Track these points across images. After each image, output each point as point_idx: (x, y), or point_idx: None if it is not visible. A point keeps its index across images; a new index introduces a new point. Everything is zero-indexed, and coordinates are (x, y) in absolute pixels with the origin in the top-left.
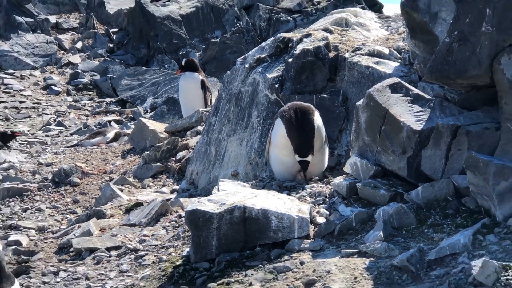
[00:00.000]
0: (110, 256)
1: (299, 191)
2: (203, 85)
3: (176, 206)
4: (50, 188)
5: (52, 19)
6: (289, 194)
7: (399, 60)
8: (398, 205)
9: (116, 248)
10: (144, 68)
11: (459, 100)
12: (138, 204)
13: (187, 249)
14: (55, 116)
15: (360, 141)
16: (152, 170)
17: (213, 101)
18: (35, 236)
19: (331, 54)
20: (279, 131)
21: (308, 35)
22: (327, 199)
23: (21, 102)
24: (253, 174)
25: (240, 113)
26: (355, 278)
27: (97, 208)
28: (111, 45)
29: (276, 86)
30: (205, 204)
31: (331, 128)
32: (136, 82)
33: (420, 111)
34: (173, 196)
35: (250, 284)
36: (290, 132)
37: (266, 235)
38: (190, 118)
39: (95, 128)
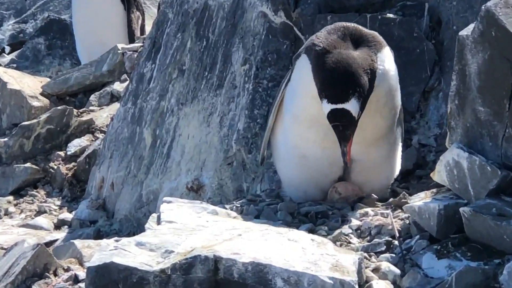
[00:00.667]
0: None
1: (336, 224)
2: None
3: (66, 257)
4: None
5: None
6: (312, 232)
7: None
8: None
9: None
10: None
11: None
12: None
13: None
14: None
15: (468, 115)
16: (15, 178)
17: (148, 29)
18: None
19: None
20: (303, 78)
21: None
22: (395, 242)
23: None
24: (235, 188)
25: (206, 54)
26: None
27: None
28: None
29: None
30: (131, 253)
31: (405, 88)
32: None
33: None
34: (60, 234)
35: None
36: (318, 70)
37: None
38: (98, 66)
39: None
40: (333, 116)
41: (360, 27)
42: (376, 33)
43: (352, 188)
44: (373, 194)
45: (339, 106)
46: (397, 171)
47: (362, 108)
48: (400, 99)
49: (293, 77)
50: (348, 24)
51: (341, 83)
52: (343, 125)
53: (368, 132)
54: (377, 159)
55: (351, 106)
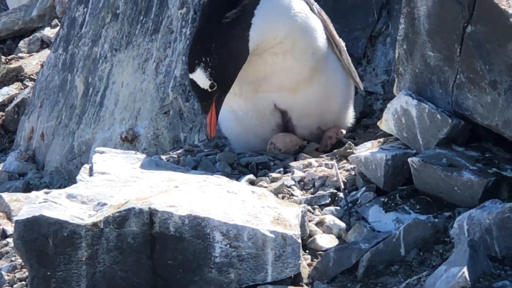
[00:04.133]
0: None
1: (277, 175)
2: None
3: None
4: None
5: None
6: (253, 183)
7: None
8: (504, 206)
9: None
10: None
11: None
12: None
13: None
14: None
15: (417, 61)
16: None
17: None
18: None
19: None
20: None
21: None
22: (340, 195)
23: None
24: (171, 138)
25: None
26: None
27: None
28: None
29: None
30: (62, 206)
31: (351, 32)
32: None
33: None
34: None
35: None
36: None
37: (202, 277)
38: (27, 11)
39: None
40: (190, 86)
41: None
42: None
43: (290, 140)
44: (313, 142)
45: (190, 76)
46: (349, 112)
47: (216, 78)
48: (320, 40)
49: None
50: None
51: (189, 52)
52: (197, 96)
53: (284, 77)
54: (311, 103)
55: (197, 76)
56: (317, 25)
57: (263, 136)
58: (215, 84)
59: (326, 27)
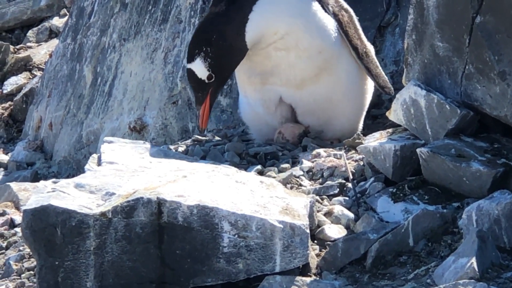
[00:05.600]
0: None
1: (286, 165)
2: None
3: (2, 201)
4: None
5: None
6: (261, 173)
7: None
8: None
9: None
10: None
11: None
12: None
13: None
14: None
15: (426, 51)
16: None
17: None
18: None
19: None
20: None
21: None
22: (349, 185)
23: None
24: (180, 128)
25: None
26: None
27: None
28: None
29: None
30: (70, 195)
31: (360, 23)
32: None
33: None
34: None
35: None
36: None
37: (210, 267)
38: (36, 1)
39: None
40: (187, 76)
41: None
42: None
43: (299, 131)
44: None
45: (187, 65)
46: (357, 113)
47: (214, 70)
48: (329, 40)
49: None
50: None
51: (190, 42)
52: (193, 86)
53: (289, 72)
54: (316, 102)
55: (196, 65)
56: (328, 24)
57: (274, 126)
58: (213, 75)
59: (342, 28)
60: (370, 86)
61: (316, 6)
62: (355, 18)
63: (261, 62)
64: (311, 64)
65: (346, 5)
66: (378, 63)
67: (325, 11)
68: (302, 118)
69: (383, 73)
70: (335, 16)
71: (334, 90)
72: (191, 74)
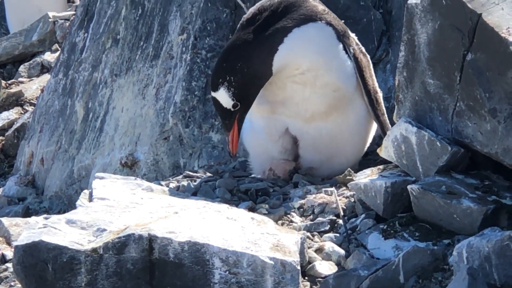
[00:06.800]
0: None
1: (277, 202)
2: None
3: None
4: None
5: None
6: (252, 210)
7: None
8: (503, 234)
9: None
10: None
11: None
12: None
13: None
14: None
15: (417, 88)
16: None
17: None
18: None
19: None
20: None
21: None
22: (340, 221)
23: None
24: (171, 163)
25: (141, 22)
26: None
27: None
28: None
29: None
30: (61, 231)
31: None
32: None
33: None
34: None
35: None
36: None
37: None
38: (27, 36)
39: None
40: (213, 103)
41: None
42: (314, 5)
43: (290, 168)
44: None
45: (212, 94)
46: (357, 155)
47: (239, 98)
48: (345, 80)
49: None
50: None
51: (214, 70)
52: (219, 114)
53: (301, 106)
54: (322, 137)
55: (220, 95)
56: (348, 66)
57: (273, 156)
58: (238, 104)
59: (359, 71)
60: (373, 130)
61: (340, 46)
62: (371, 64)
63: (275, 92)
64: (324, 101)
65: (364, 50)
66: (385, 111)
67: (347, 52)
68: (303, 152)
69: (388, 121)
70: (355, 58)
71: (341, 129)
72: (216, 102)
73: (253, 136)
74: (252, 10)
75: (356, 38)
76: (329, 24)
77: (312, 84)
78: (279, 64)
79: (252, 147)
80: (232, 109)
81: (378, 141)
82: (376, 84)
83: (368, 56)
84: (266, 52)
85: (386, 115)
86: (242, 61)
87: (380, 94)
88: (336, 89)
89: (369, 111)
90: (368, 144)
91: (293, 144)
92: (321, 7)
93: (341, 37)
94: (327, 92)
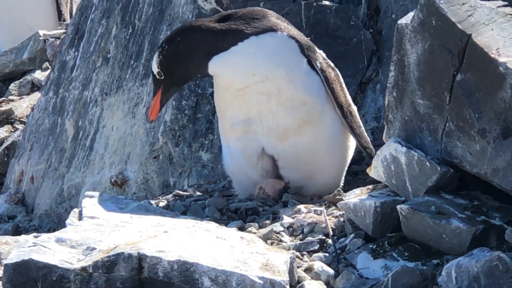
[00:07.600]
0: None
1: (266, 221)
2: None
3: None
4: None
5: None
6: (242, 229)
7: None
8: (492, 255)
9: None
10: None
11: None
12: None
13: None
14: None
15: (407, 108)
16: None
17: (74, 11)
18: None
19: None
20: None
21: None
22: (329, 241)
23: None
24: (161, 182)
25: (132, 41)
26: None
27: None
28: None
29: None
30: (51, 250)
31: (342, 77)
32: None
33: None
34: None
35: None
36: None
37: None
38: (18, 54)
39: None
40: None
41: (270, 13)
42: (276, 21)
43: (279, 187)
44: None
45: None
46: (339, 168)
47: (164, 69)
48: (314, 94)
49: None
50: (257, 9)
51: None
52: (152, 77)
53: (270, 121)
54: (300, 154)
55: (154, 57)
56: (314, 80)
57: (254, 180)
58: (162, 74)
59: (328, 85)
60: (352, 142)
61: (303, 60)
62: (341, 78)
63: (243, 106)
64: (294, 115)
65: (332, 65)
66: (361, 123)
67: (312, 66)
68: (284, 172)
69: (365, 133)
70: (322, 72)
71: (316, 144)
72: (152, 65)
73: (232, 162)
74: (227, 11)
75: (323, 53)
76: (291, 37)
77: (277, 95)
78: (219, 64)
79: (233, 173)
80: (157, 77)
81: (359, 156)
82: (349, 97)
83: (337, 71)
84: (214, 47)
85: (362, 128)
86: (185, 39)
87: (354, 108)
88: (304, 103)
89: (344, 124)
90: (350, 156)
91: (273, 165)
92: (283, 23)
93: (305, 51)
94: (295, 105)
